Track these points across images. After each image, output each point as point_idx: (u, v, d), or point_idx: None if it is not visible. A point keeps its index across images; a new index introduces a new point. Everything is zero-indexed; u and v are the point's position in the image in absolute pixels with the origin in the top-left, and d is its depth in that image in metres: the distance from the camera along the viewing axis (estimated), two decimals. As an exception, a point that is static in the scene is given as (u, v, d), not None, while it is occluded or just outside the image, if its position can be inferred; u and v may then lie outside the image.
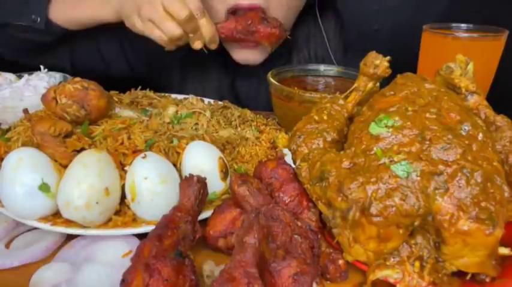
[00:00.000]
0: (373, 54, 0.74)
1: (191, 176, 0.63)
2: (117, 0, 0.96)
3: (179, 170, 0.70)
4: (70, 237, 0.65)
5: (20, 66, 1.07)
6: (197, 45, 0.96)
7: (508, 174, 0.59)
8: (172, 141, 0.74)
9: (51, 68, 1.07)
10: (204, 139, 0.77)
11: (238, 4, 1.01)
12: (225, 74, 1.25)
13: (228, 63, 1.18)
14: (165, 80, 1.23)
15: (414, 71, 0.84)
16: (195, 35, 0.94)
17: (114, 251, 0.62)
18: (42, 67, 1.06)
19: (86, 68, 1.13)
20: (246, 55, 1.10)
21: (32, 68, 1.06)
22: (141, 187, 0.63)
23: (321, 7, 1.22)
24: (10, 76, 1.04)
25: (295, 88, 0.94)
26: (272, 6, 1.03)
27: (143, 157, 0.65)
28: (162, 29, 0.90)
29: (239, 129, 0.88)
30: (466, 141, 0.57)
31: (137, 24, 0.92)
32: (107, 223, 0.64)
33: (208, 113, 0.87)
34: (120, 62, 1.22)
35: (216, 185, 0.70)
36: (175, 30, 0.89)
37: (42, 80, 1.01)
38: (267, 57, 1.16)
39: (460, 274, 0.56)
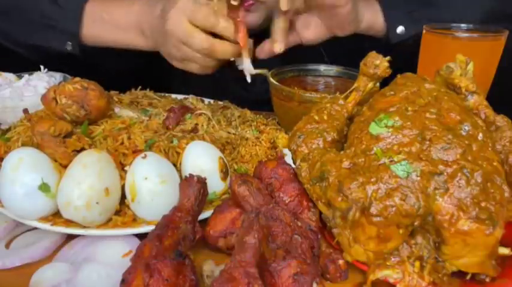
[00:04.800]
0: (373, 54, 0.74)
1: (191, 176, 0.63)
2: (152, 36, 0.97)
3: (179, 170, 0.70)
4: (70, 237, 0.65)
5: (20, 66, 1.07)
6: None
7: (508, 174, 0.59)
8: (172, 141, 0.74)
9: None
10: (204, 139, 0.77)
11: None
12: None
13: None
14: (170, 77, 1.23)
15: (414, 71, 0.84)
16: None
17: (114, 251, 0.62)
18: (42, 67, 1.06)
19: (89, 64, 1.13)
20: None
21: (32, 68, 1.06)
22: (141, 187, 0.63)
23: None
24: (10, 76, 1.04)
25: (295, 88, 0.94)
26: None
27: (143, 157, 0.65)
28: (194, 50, 0.88)
29: (239, 129, 0.88)
30: (466, 142, 0.57)
31: (176, 65, 0.95)
32: (107, 223, 0.64)
33: (208, 113, 0.87)
34: (129, 56, 1.22)
35: (216, 185, 0.70)
36: (203, 43, 0.87)
37: (42, 80, 1.01)
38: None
39: (460, 274, 0.56)
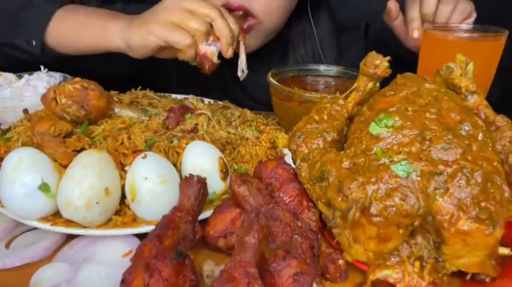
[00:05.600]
0: (372, 55, 0.74)
1: (191, 176, 0.63)
2: (123, 24, 0.92)
3: (179, 170, 0.70)
4: (70, 237, 0.65)
5: (20, 67, 1.06)
6: (230, 52, 0.91)
7: (508, 174, 0.59)
8: (172, 141, 0.74)
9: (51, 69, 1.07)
10: (204, 139, 0.77)
11: (227, 3, 1.00)
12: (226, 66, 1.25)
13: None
14: (166, 78, 1.23)
15: (414, 71, 0.84)
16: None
17: (114, 251, 0.62)
18: (42, 67, 1.06)
19: (87, 69, 1.13)
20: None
21: (32, 68, 1.06)
22: (141, 187, 0.63)
23: (314, 6, 1.23)
24: (10, 76, 1.04)
25: (295, 88, 0.94)
26: (258, 7, 1.03)
27: (143, 157, 0.65)
28: (187, 26, 0.85)
29: (239, 129, 0.88)
30: (466, 142, 0.57)
31: (154, 30, 0.86)
32: (107, 223, 0.64)
33: (208, 113, 0.87)
34: (123, 64, 1.22)
35: (216, 185, 0.70)
36: (201, 25, 0.86)
37: (42, 80, 1.01)
38: (263, 54, 1.17)
39: (460, 274, 0.56)
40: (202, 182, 0.63)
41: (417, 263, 0.55)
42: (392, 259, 0.56)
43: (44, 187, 0.62)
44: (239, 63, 0.99)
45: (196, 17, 0.86)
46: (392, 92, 0.65)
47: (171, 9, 0.87)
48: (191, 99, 0.97)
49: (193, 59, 0.91)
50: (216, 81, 1.26)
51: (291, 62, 1.25)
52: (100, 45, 0.97)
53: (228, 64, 1.25)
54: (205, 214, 0.65)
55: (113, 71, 1.19)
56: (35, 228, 0.66)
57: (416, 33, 0.95)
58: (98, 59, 1.12)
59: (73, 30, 1.01)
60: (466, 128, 0.58)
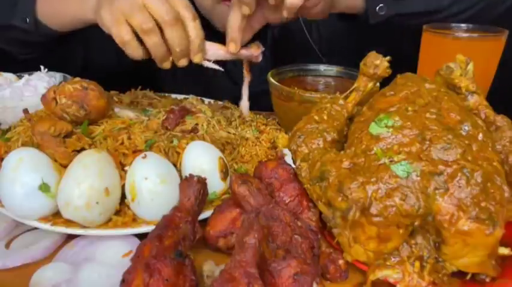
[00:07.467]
0: (373, 55, 0.74)
1: (191, 176, 0.63)
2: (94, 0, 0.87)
3: (179, 170, 0.70)
4: (70, 237, 0.65)
5: (20, 67, 1.06)
6: (182, 62, 0.78)
7: (508, 174, 0.59)
8: (172, 142, 0.75)
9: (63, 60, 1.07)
10: (204, 139, 0.77)
11: None
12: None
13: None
14: (166, 78, 1.23)
15: (414, 71, 0.84)
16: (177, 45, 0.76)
17: (114, 251, 0.62)
18: (42, 67, 1.06)
19: (98, 60, 1.11)
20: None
21: (32, 68, 1.06)
22: (141, 187, 0.63)
23: None
24: (10, 76, 1.04)
25: (295, 88, 0.94)
26: None
27: (143, 157, 0.65)
28: (132, 21, 0.73)
29: (239, 129, 0.88)
30: (466, 142, 0.57)
31: (104, 17, 0.76)
32: (107, 223, 0.64)
33: (208, 113, 0.87)
34: (128, 59, 1.20)
35: (216, 185, 0.70)
36: (146, 22, 0.72)
37: (42, 80, 1.01)
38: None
39: (460, 274, 0.56)
40: (202, 182, 0.63)
41: (417, 263, 0.55)
42: (392, 259, 0.56)
43: (44, 187, 0.62)
44: (240, 104, 0.91)
45: (143, 12, 0.72)
46: (392, 92, 0.65)
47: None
48: (191, 99, 0.97)
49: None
50: (216, 81, 1.26)
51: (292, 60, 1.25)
52: (78, 17, 0.94)
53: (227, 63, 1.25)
54: (205, 214, 0.65)
55: (120, 66, 1.17)
56: (35, 228, 0.66)
57: (232, 48, 0.81)
58: (111, 50, 1.11)
59: (56, 4, 1.00)
60: (466, 128, 0.58)
